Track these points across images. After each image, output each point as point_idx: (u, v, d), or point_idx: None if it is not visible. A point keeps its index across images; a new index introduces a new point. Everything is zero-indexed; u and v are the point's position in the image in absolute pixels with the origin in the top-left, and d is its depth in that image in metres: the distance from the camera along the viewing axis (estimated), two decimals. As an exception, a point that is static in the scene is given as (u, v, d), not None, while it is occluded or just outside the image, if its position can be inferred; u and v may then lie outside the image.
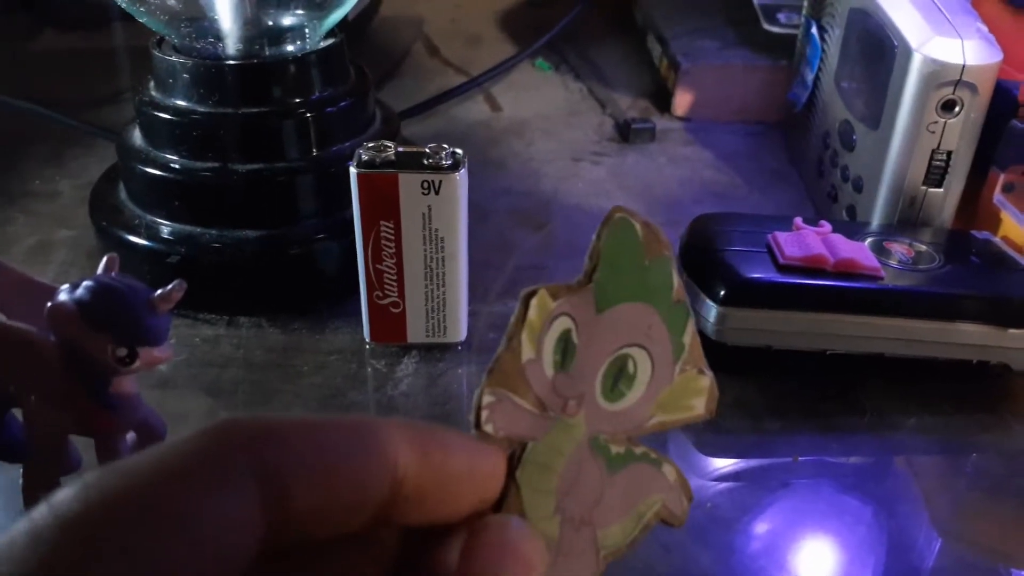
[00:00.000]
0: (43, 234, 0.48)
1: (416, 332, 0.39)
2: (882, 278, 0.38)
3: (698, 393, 0.20)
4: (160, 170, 0.41)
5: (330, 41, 0.44)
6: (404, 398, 0.37)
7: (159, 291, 0.27)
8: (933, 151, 0.42)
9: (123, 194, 0.44)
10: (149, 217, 0.42)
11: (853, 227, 0.44)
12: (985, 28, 0.42)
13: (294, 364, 0.39)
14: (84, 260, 0.45)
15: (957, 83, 0.41)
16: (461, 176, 0.36)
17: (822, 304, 0.37)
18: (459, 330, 0.39)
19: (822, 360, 0.38)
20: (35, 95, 0.59)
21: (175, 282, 0.28)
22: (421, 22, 0.80)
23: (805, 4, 0.57)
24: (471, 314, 0.41)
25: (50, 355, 0.28)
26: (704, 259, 0.38)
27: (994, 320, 0.37)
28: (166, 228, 0.42)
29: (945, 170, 0.43)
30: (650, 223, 0.19)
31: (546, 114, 0.64)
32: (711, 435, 0.38)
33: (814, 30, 0.54)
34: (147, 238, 0.41)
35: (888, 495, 0.36)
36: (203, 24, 0.43)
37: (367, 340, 0.39)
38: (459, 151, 0.37)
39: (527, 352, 0.17)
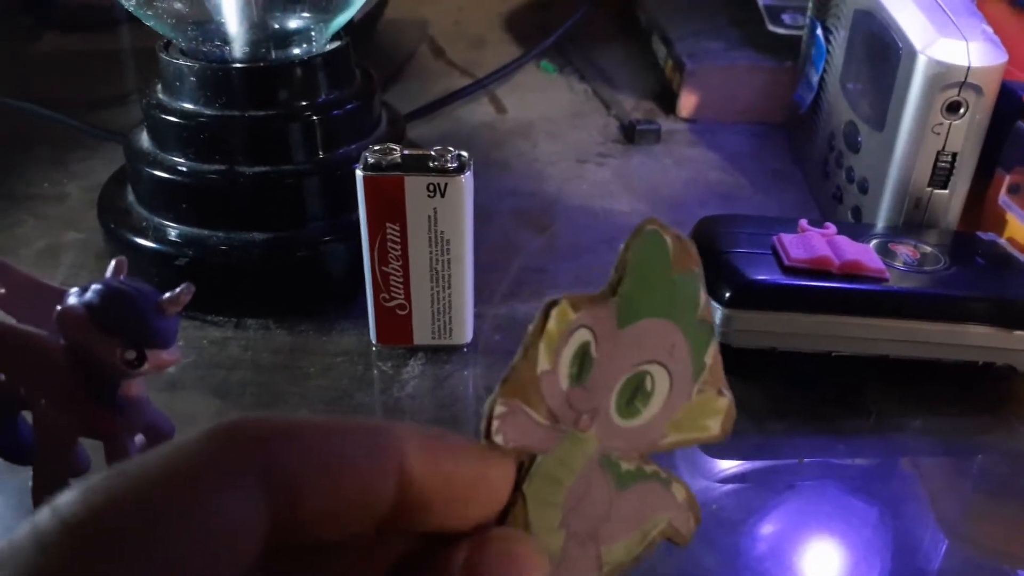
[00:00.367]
0: (52, 237, 0.48)
1: (422, 334, 0.39)
2: (887, 280, 0.38)
3: (715, 414, 0.20)
4: (167, 173, 0.41)
5: (336, 44, 0.44)
6: (410, 400, 0.37)
7: (167, 294, 0.28)
8: (938, 152, 0.42)
9: (131, 196, 0.44)
10: (157, 219, 0.42)
11: (858, 229, 0.44)
12: (990, 29, 0.42)
13: (301, 366, 0.39)
14: (93, 262, 0.45)
15: (962, 85, 0.41)
16: (466, 179, 0.37)
17: (827, 306, 0.37)
18: (465, 332, 0.40)
19: (827, 362, 0.38)
20: (38, 97, 0.59)
21: (183, 285, 0.28)
22: (426, 24, 0.80)
23: (810, 5, 0.57)
24: (477, 316, 0.41)
25: (59, 358, 0.28)
26: (709, 261, 0.38)
27: (999, 322, 0.37)
28: (174, 230, 0.42)
29: (950, 171, 0.43)
30: (682, 237, 0.18)
31: (551, 116, 0.64)
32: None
33: (819, 31, 0.54)
34: (155, 240, 0.41)
35: (893, 497, 0.36)
36: (210, 27, 0.43)
37: (373, 342, 0.39)
38: (464, 153, 0.37)
39: (543, 363, 0.17)
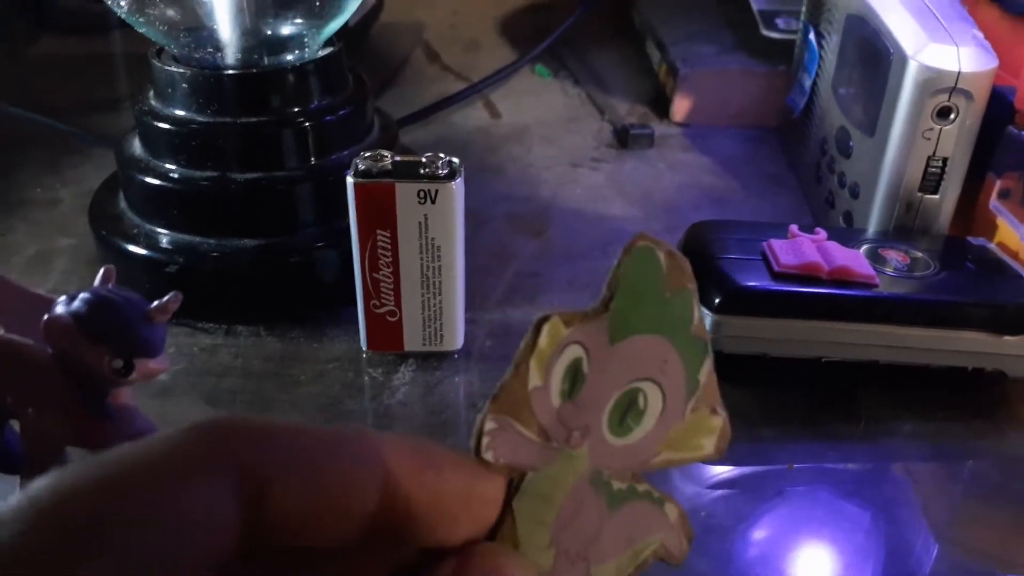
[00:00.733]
0: (43, 243, 0.48)
1: (413, 341, 0.39)
2: (877, 286, 0.38)
3: (709, 433, 0.19)
4: (159, 179, 0.41)
5: (329, 50, 0.44)
6: (401, 407, 0.37)
7: (155, 302, 0.28)
8: (929, 158, 0.42)
9: (123, 203, 0.44)
10: (148, 226, 0.42)
11: (849, 234, 0.44)
12: (981, 35, 0.43)
13: (292, 373, 0.39)
14: (84, 269, 0.45)
15: (952, 90, 0.41)
16: (457, 185, 0.37)
17: (817, 312, 0.37)
18: (456, 338, 0.40)
19: (818, 368, 0.38)
20: (34, 101, 0.59)
21: (171, 294, 0.28)
22: (421, 28, 0.80)
23: (803, 10, 0.57)
24: (469, 322, 0.41)
25: (47, 367, 0.28)
26: (699, 267, 0.38)
27: (989, 327, 0.37)
28: (165, 237, 0.42)
29: (941, 177, 0.43)
30: (675, 253, 0.18)
31: (545, 120, 0.64)
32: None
33: (812, 36, 0.55)
34: (146, 247, 0.41)
35: (884, 502, 0.36)
36: (202, 34, 0.43)
37: (364, 349, 0.39)
38: (455, 160, 0.37)
39: (534, 379, 0.17)
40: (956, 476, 0.38)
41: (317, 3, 0.44)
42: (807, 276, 0.38)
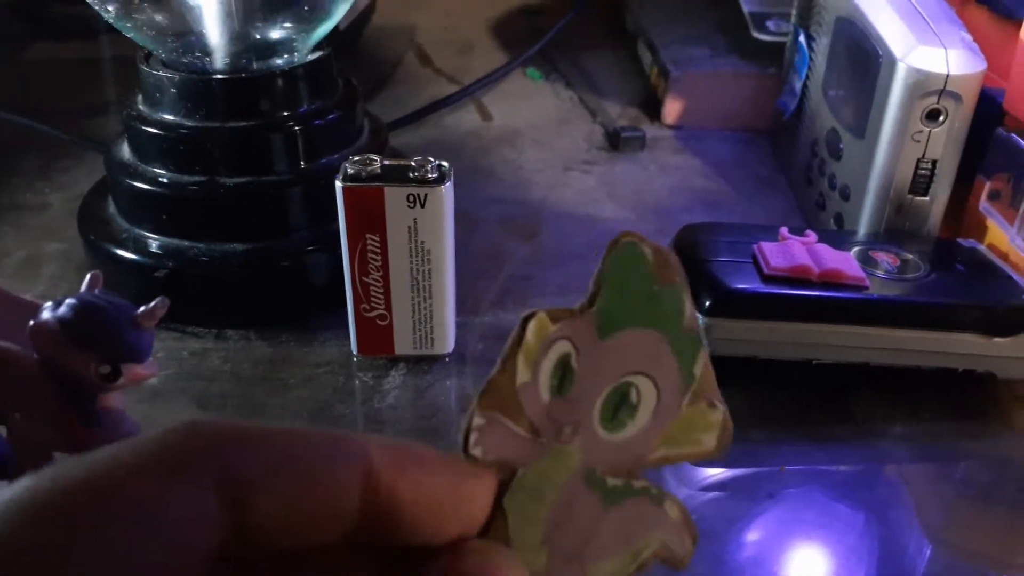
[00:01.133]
0: (32, 248, 0.48)
1: (403, 344, 0.39)
2: (867, 288, 0.38)
3: (708, 428, 0.19)
4: (148, 184, 0.41)
5: (318, 54, 0.44)
6: (391, 411, 0.37)
7: (142, 308, 0.28)
8: (918, 160, 0.43)
9: (112, 208, 0.44)
10: (137, 231, 0.42)
11: (840, 236, 0.44)
12: (969, 37, 0.43)
13: (282, 377, 0.39)
14: (73, 274, 0.45)
15: (941, 92, 0.41)
16: (447, 189, 0.37)
17: (807, 314, 0.37)
18: (447, 342, 0.40)
19: (808, 370, 0.38)
20: (26, 105, 0.59)
21: (158, 299, 0.28)
22: (414, 30, 0.80)
23: (793, 12, 0.57)
24: (460, 325, 0.41)
25: (33, 373, 0.28)
26: (690, 270, 0.38)
27: (979, 329, 0.37)
28: (154, 242, 0.42)
29: (930, 179, 0.43)
30: (661, 249, 0.18)
31: (537, 123, 0.64)
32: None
33: (802, 38, 0.55)
34: (135, 252, 0.41)
35: (876, 503, 0.36)
36: (190, 39, 0.43)
37: (354, 352, 0.39)
38: (445, 164, 0.37)
39: (522, 375, 0.17)
40: (947, 477, 0.38)
41: (305, 7, 0.44)
42: (797, 278, 0.38)
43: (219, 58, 0.43)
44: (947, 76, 0.41)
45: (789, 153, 0.57)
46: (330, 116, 0.43)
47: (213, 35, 0.42)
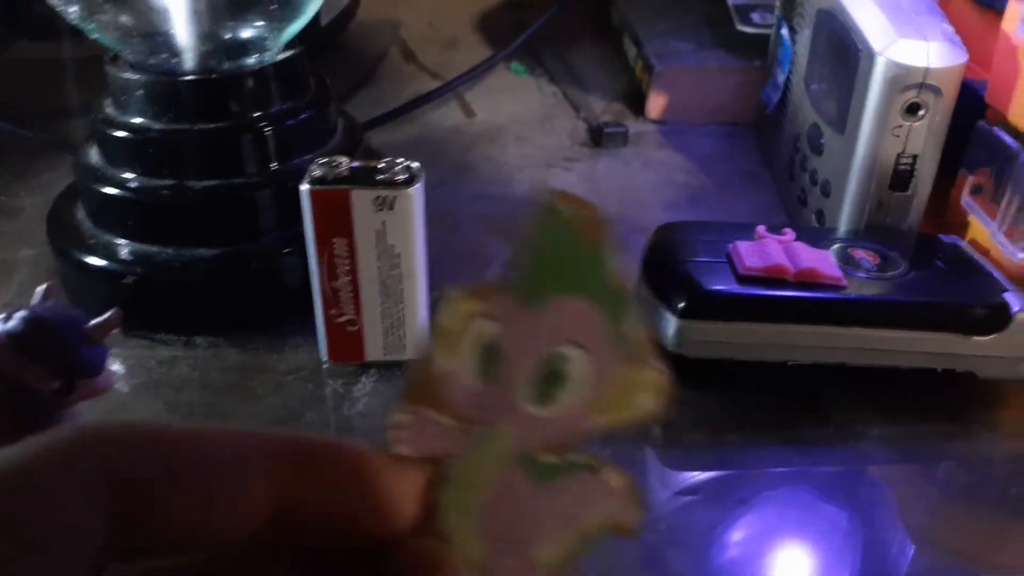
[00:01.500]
0: (3, 253, 0.47)
1: (374, 350, 0.38)
2: (844, 287, 0.37)
3: (643, 388, 0.18)
4: (116, 188, 0.41)
5: (289, 52, 0.43)
6: (361, 418, 0.37)
7: (94, 321, 0.27)
8: (899, 155, 0.42)
9: (80, 213, 0.43)
10: (106, 236, 0.42)
11: (820, 233, 0.43)
12: (951, 28, 0.42)
13: (251, 385, 0.38)
14: (44, 280, 0.44)
15: (921, 86, 0.40)
16: (416, 191, 0.36)
17: (782, 315, 0.37)
18: (419, 347, 0.39)
19: (784, 371, 0.38)
20: (4, 107, 0.58)
21: (111, 311, 0.27)
22: (398, 26, 0.79)
23: (777, 4, 0.56)
24: (434, 328, 0.40)
25: (-16, 387, 0.27)
26: (665, 270, 0.38)
27: (958, 328, 0.37)
28: (123, 247, 0.41)
29: (911, 174, 0.42)
30: (585, 203, 0.17)
31: (520, 119, 0.64)
32: (671, 449, 0.37)
33: (784, 31, 0.54)
34: (104, 258, 0.41)
35: (855, 506, 0.35)
36: (157, 39, 0.42)
37: (324, 359, 0.39)
38: (415, 165, 0.37)
39: (443, 362, 0.16)
40: (927, 478, 0.37)
41: (275, 5, 0.43)
42: (772, 278, 0.37)
43: (187, 59, 0.42)
44: (927, 70, 0.40)
45: (773, 148, 0.56)
46: (302, 116, 0.43)
47: (181, 35, 0.42)
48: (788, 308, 0.37)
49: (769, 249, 0.38)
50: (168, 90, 0.40)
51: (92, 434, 0.14)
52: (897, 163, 0.42)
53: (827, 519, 0.35)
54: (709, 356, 0.37)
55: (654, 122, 0.63)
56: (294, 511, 0.15)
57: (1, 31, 0.75)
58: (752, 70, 0.61)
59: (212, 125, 0.41)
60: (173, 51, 0.42)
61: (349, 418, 0.37)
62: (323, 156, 0.37)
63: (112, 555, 0.14)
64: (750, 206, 0.54)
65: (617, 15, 0.74)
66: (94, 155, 0.43)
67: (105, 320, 0.27)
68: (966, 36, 0.42)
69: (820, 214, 0.47)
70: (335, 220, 0.36)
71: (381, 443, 0.16)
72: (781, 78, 0.54)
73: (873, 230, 0.43)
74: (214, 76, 0.41)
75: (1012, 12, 0.41)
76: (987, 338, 0.37)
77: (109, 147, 0.42)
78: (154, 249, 0.41)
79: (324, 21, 0.67)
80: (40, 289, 0.28)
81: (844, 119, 0.44)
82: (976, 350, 0.37)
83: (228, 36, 0.44)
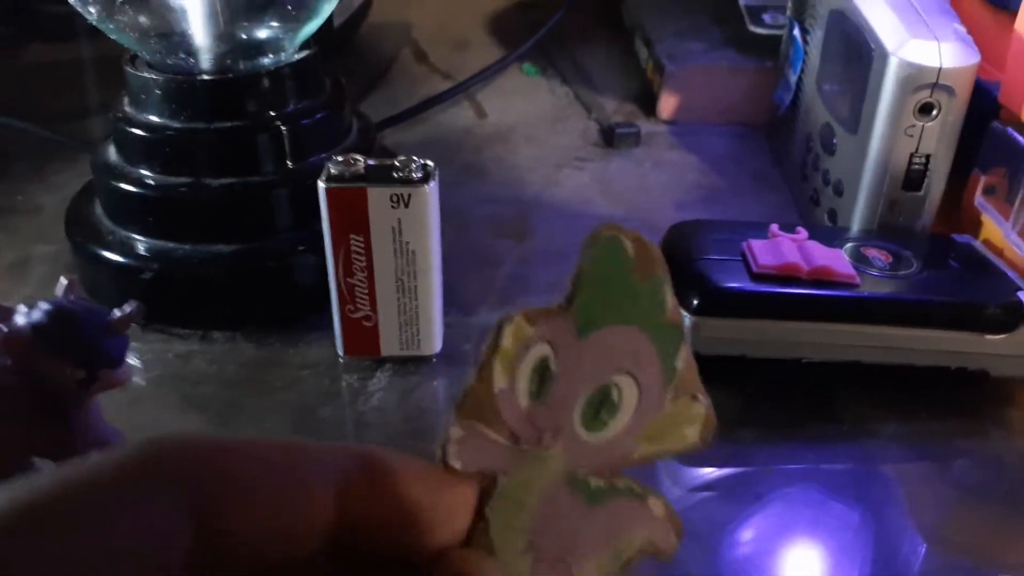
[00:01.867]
0: (22, 250, 0.48)
1: (389, 345, 0.39)
2: (858, 285, 0.37)
3: (691, 421, 0.19)
4: (134, 186, 0.41)
5: (304, 53, 0.44)
6: (376, 412, 0.37)
7: (116, 313, 0.27)
8: (911, 155, 0.42)
9: (98, 210, 0.44)
10: (123, 233, 0.42)
11: (833, 233, 0.43)
12: (963, 29, 0.42)
13: (267, 379, 0.39)
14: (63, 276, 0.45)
15: (934, 86, 0.40)
16: (431, 189, 0.36)
17: (796, 313, 0.37)
18: (433, 342, 0.39)
19: (798, 368, 0.38)
20: (20, 108, 0.59)
21: (132, 304, 0.27)
22: (410, 27, 0.80)
23: (788, 5, 0.56)
24: (449, 325, 0.41)
25: (7, 378, 0.27)
26: (678, 268, 0.38)
27: (971, 326, 0.37)
28: (140, 243, 0.41)
29: (924, 174, 0.42)
30: (642, 239, 0.18)
31: (531, 120, 0.64)
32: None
33: (796, 32, 0.54)
34: (121, 254, 0.41)
35: (868, 503, 0.35)
36: (174, 40, 0.43)
37: (340, 354, 0.39)
38: (430, 163, 0.37)
39: (499, 381, 0.17)
40: (940, 476, 0.37)
41: (290, 6, 0.43)
42: (786, 276, 0.37)
43: (204, 59, 0.43)
44: (939, 69, 0.40)
45: (785, 148, 0.56)
46: (317, 115, 0.43)
47: (198, 35, 0.42)
48: (802, 306, 0.37)
49: (783, 247, 0.38)
50: (185, 89, 0.41)
51: (173, 446, 0.14)
52: (910, 163, 0.42)
53: (840, 516, 0.35)
54: (723, 353, 0.37)
55: (666, 123, 0.63)
56: (355, 523, 0.16)
57: (16, 34, 0.75)
58: (764, 71, 0.61)
59: (229, 124, 0.41)
60: (190, 51, 0.43)
61: (364, 413, 0.37)
62: (339, 155, 0.37)
63: (193, 570, 0.14)
64: (762, 206, 0.54)
65: (628, 16, 0.75)
66: (112, 153, 0.43)
67: (127, 312, 0.27)
68: (979, 36, 0.42)
69: (832, 214, 0.47)
70: (352, 217, 0.36)
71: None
72: (793, 78, 0.54)
73: (886, 230, 0.43)
74: (231, 76, 0.42)
75: (1025, 12, 0.41)
76: (1000, 337, 0.37)
77: (127, 145, 0.42)
78: (171, 245, 0.41)
79: (336, 23, 0.68)
80: (63, 282, 0.28)
81: (857, 119, 0.44)
82: (989, 348, 0.37)
83: (244, 37, 0.44)
